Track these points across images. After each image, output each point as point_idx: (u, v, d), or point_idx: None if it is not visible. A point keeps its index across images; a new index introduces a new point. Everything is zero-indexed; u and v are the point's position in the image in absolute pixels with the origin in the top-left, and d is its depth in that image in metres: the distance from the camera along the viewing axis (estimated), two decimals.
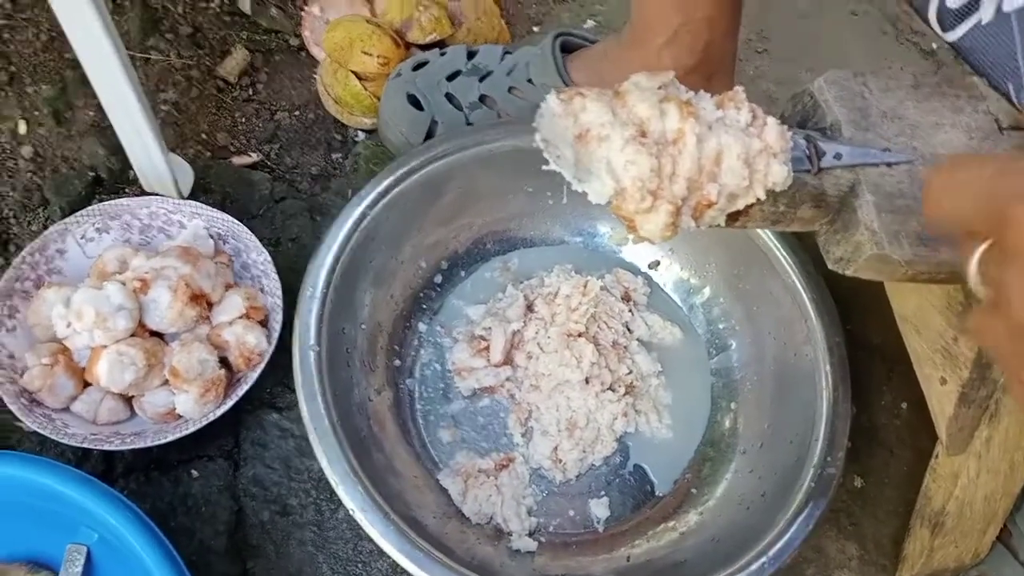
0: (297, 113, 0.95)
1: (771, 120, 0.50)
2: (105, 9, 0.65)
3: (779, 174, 0.50)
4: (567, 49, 0.86)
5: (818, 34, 1.08)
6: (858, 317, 0.80)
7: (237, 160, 0.90)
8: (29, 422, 0.66)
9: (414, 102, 0.85)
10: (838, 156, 0.54)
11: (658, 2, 0.76)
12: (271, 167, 0.91)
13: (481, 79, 0.87)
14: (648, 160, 0.47)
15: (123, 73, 0.69)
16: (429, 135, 0.85)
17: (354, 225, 0.71)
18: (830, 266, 0.55)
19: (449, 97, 0.86)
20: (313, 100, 0.95)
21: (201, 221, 0.75)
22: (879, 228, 0.52)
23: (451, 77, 0.87)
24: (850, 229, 0.53)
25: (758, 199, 0.51)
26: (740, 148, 0.49)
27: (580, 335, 0.73)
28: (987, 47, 0.61)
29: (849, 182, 0.54)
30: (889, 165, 0.55)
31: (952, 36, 0.62)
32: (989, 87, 0.61)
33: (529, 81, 0.84)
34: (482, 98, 0.86)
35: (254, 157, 0.90)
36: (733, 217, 0.52)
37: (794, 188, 0.52)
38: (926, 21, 0.64)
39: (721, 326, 0.79)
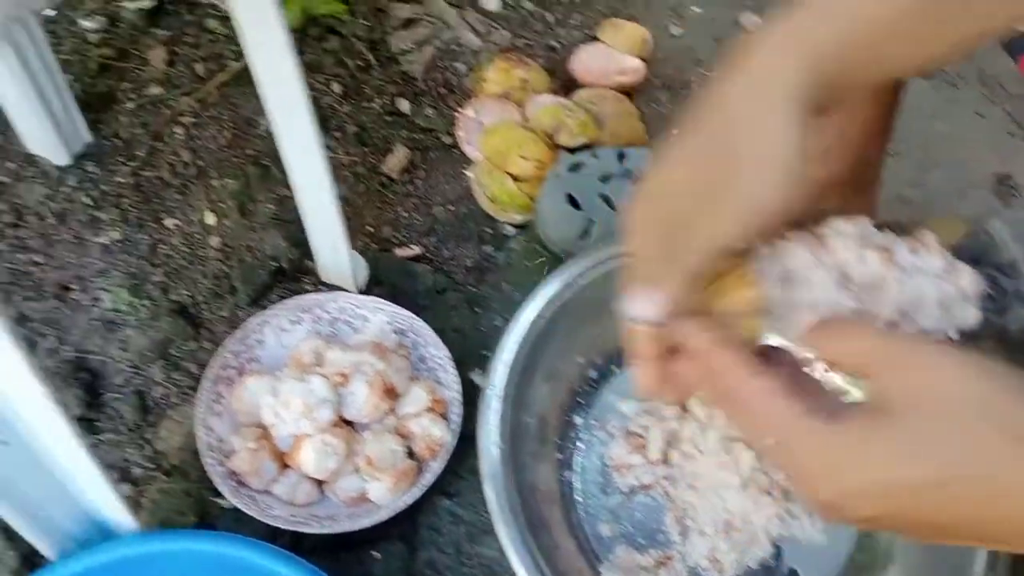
0: (451, 207, 1.02)
1: (963, 266, 0.54)
2: (313, 111, 0.73)
3: (972, 317, 0.54)
4: None
5: (946, 135, 1.11)
6: None
7: (400, 252, 0.97)
8: (236, 502, 0.72)
9: (572, 202, 0.91)
10: (1018, 295, 0.58)
11: None
12: (430, 258, 0.97)
13: (634, 181, 0.92)
14: (854, 304, 0.51)
15: (324, 170, 0.77)
16: (585, 233, 0.91)
17: (531, 325, 0.77)
18: None
19: (604, 198, 0.92)
20: (465, 195, 1.02)
21: (384, 316, 0.82)
22: None
23: (604, 179, 0.93)
24: None
25: (949, 338, 0.55)
26: (937, 293, 0.53)
27: (738, 439, 0.77)
28: None
29: None
30: None
31: None
32: None
33: None
34: None
35: (416, 249, 0.97)
36: None
37: (979, 326, 0.56)
38: None
39: None
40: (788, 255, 0.54)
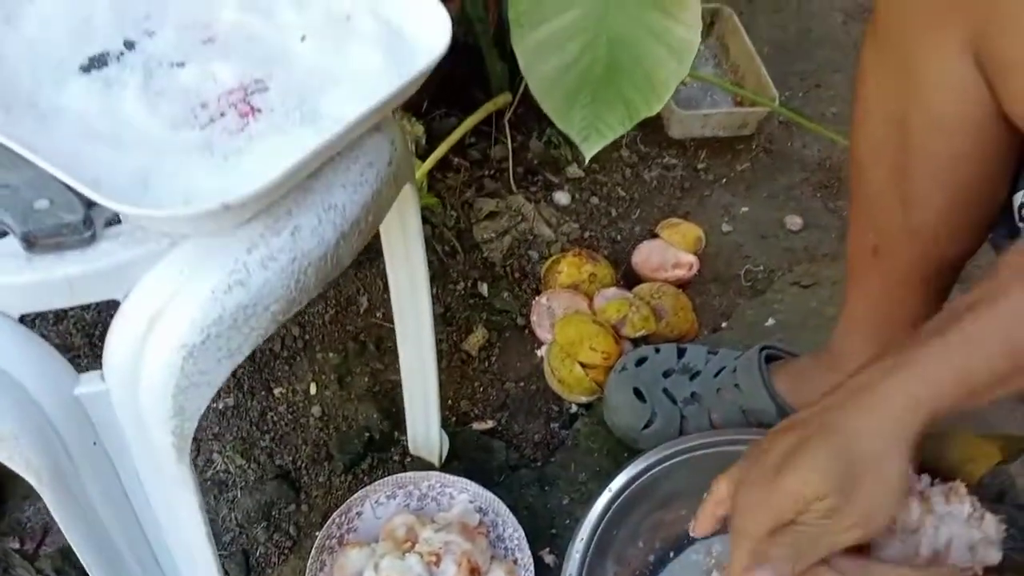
0: (522, 384, 1.13)
1: (988, 515, 0.64)
2: (430, 305, 0.85)
3: (995, 557, 0.64)
4: (769, 359, 1.02)
5: None
6: None
7: (477, 426, 1.08)
8: None
9: (638, 394, 1.02)
10: None
11: (854, 342, 0.92)
12: (502, 432, 1.08)
13: (691, 377, 1.04)
14: (900, 548, 0.61)
15: (432, 353, 0.88)
16: (648, 424, 1.01)
17: (601, 514, 0.86)
18: None
19: (666, 392, 1.03)
20: (534, 372, 1.14)
21: (467, 496, 0.92)
22: None
23: (666, 374, 1.04)
24: None
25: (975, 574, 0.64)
26: (966, 538, 0.63)
27: None
28: None
29: None
30: None
31: None
32: None
33: (736, 386, 1.01)
34: (692, 395, 1.02)
35: (490, 423, 1.08)
36: None
37: (1001, 563, 0.65)
38: None
39: None
40: None
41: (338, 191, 0.53)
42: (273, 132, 0.54)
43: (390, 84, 0.54)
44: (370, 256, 1.17)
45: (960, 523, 0.63)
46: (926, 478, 0.67)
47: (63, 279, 0.47)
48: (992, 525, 0.64)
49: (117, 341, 0.49)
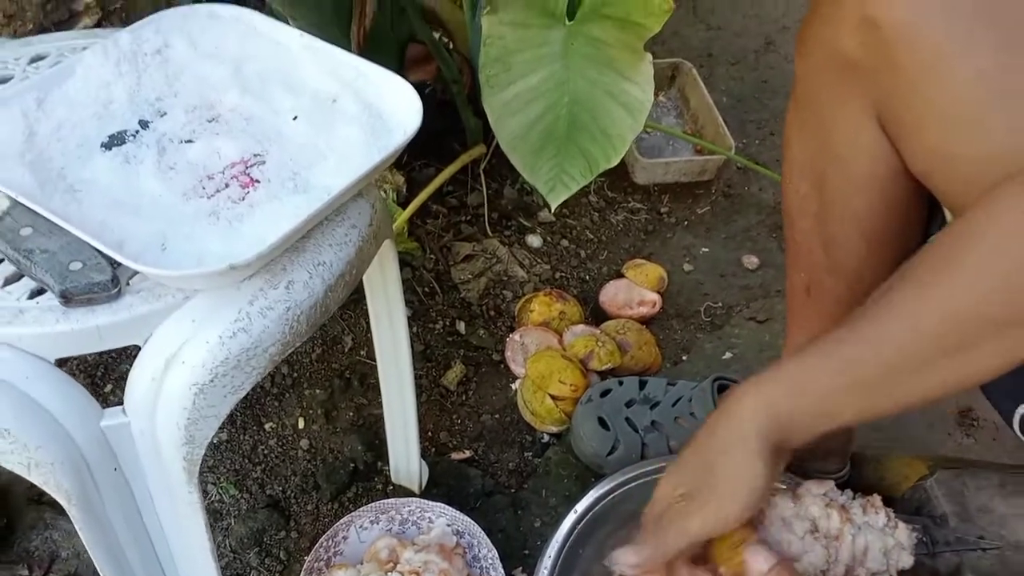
0: (497, 416, 1.21)
1: (901, 524, 0.73)
2: (409, 344, 0.93)
3: (907, 561, 0.72)
4: (722, 389, 1.11)
5: None
6: None
7: (455, 456, 1.16)
8: None
9: (603, 423, 1.11)
10: (947, 543, 0.76)
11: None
12: (479, 461, 1.16)
13: (651, 407, 1.13)
14: (823, 552, 0.70)
15: (411, 389, 0.97)
16: (612, 450, 1.10)
17: (567, 534, 0.95)
18: None
19: (628, 421, 1.12)
20: (509, 405, 1.22)
21: (445, 519, 1.00)
22: None
23: (629, 404, 1.13)
24: None
25: None
26: (881, 544, 0.71)
27: None
28: None
29: (955, 563, 0.76)
30: (984, 550, 0.77)
31: None
32: None
33: (691, 414, 1.10)
34: (653, 423, 1.11)
35: (467, 453, 1.17)
36: None
37: (916, 567, 0.74)
38: (1011, 427, 0.87)
39: None
40: (779, 505, 0.73)
41: (326, 250, 0.62)
42: (270, 200, 0.62)
43: (371, 158, 0.63)
44: (354, 299, 1.26)
45: (876, 532, 0.72)
46: (848, 493, 0.75)
47: (94, 328, 0.56)
48: (904, 533, 0.73)
49: (138, 380, 0.57)
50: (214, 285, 0.57)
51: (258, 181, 0.64)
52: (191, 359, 0.56)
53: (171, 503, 0.62)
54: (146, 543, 0.66)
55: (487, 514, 1.08)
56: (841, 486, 0.77)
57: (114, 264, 0.56)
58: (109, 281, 0.56)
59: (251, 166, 0.65)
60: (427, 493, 1.09)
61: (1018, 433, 0.86)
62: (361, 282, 0.79)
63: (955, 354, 0.59)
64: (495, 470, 1.15)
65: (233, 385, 0.58)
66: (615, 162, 1.11)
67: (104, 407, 0.59)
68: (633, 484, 1.00)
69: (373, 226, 0.67)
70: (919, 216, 0.83)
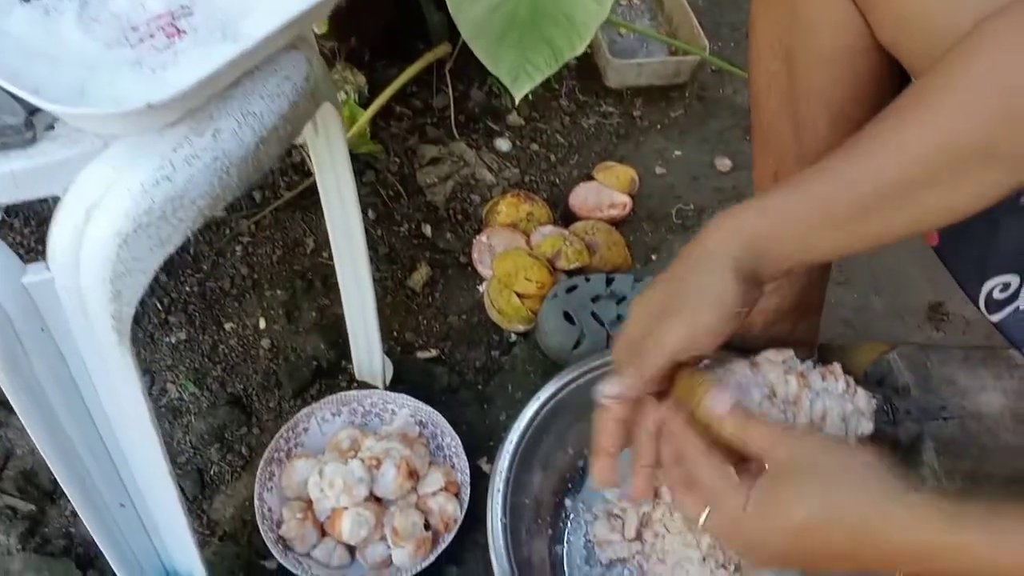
0: (464, 316, 1.20)
1: (860, 390, 0.72)
2: (363, 234, 0.91)
3: (867, 428, 0.71)
4: None
5: (890, 267, 1.30)
6: None
7: (421, 354, 1.14)
8: (284, 563, 0.87)
9: (568, 318, 1.09)
10: (908, 412, 0.75)
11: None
12: (446, 360, 1.15)
13: (618, 302, 1.11)
14: (780, 417, 0.69)
15: (370, 286, 0.95)
16: (578, 343, 1.08)
17: (530, 421, 0.93)
18: None
19: (594, 315, 1.10)
20: (476, 306, 1.20)
21: (408, 410, 0.99)
22: (938, 467, 0.72)
23: (595, 299, 1.12)
24: (917, 467, 0.74)
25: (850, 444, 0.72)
26: (839, 409, 0.70)
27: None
28: (1023, 328, 0.82)
29: (916, 432, 0.75)
30: (945, 419, 0.76)
31: (995, 318, 0.83)
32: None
33: None
34: (619, 317, 1.09)
35: (434, 352, 1.15)
36: None
37: (876, 435, 0.73)
38: (976, 305, 0.85)
39: None
40: (737, 371, 0.71)
41: (256, 100, 0.59)
42: (197, 49, 0.59)
43: (301, 4, 0.59)
44: (315, 200, 1.23)
45: (835, 398, 0.71)
46: (809, 363, 0.74)
47: (8, 174, 0.53)
48: (863, 399, 0.71)
49: (59, 232, 0.54)
50: (134, 129, 0.54)
51: (184, 32, 0.61)
52: (113, 206, 0.54)
53: (103, 366, 0.60)
54: (83, 414, 0.64)
55: (453, 408, 1.07)
56: None
57: (30, 111, 0.53)
58: (22, 124, 0.53)
59: (178, 17, 0.62)
60: (392, 390, 1.07)
61: (984, 311, 0.84)
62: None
63: (936, 185, 0.58)
64: (461, 368, 1.14)
65: (159, 237, 0.56)
66: (580, 50, 1.07)
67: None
68: (597, 373, 0.98)
69: (310, 83, 0.64)
70: (884, 96, 0.81)
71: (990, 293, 0.82)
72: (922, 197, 0.59)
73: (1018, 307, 0.80)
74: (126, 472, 0.70)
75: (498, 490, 0.89)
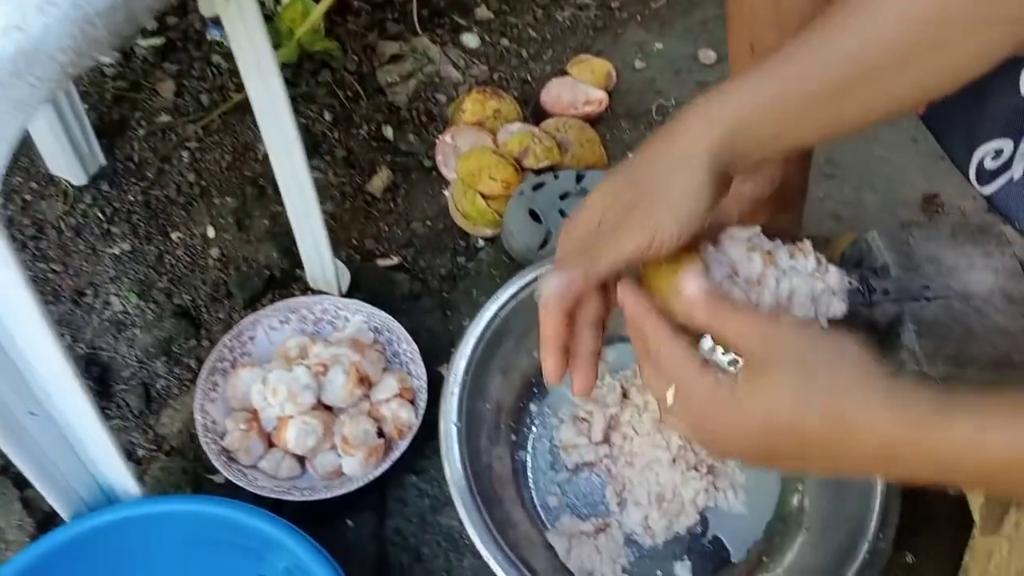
0: (429, 222, 1.13)
1: (832, 267, 0.65)
2: (300, 138, 0.84)
3: (838, 308, 0.64)
4: None
5: (882, 158, 1.22)
6: None
7: (382, 262, 1.08)
8: (228, 475, 0.83)
9: (534, 216, 1.03)
10: (886, 292, 0.68)
11: None
12: (408, 268, 1.08)
13: None
14: (742, 298, 0.62)
15: (311, 189, 0.88)
16: (544, 243, 1.02)
17: (488, 322, 0.87)
18: None
19: (562, 213, 1.03)
20: (442, 212, 1.14)
21: (362, 316, 0.93)
22: (919, 350, 0.66)
23: (563, 196, 1.04)
24: (895, 351, 0.67)
25: (821, 327, 0.65)
26: (807, 288, 0.63)
27: None
28: (1017, 199, 0.75)
29: (894, 313, 0.68)
30: (928, 300, 0.69)
31: (988, 190, 0.76)
32: (1017, 233, 0.75)
33: None
34: None
35: (395, 260, 1.09)
36: None
37: (851, 317, 0.66)
38: (966, 176, 0.78)
39: None
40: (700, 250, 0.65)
41: None
42: None
43: None
44: None
45: (804, 276, 0.64)
46: (778, 240, 0.67)
47: None
48: (835, 277, 0.64)
49: None
50: None
51: None
52: None
53: None
54: None
55: (413, 316, 1.01)
56: None
57: None
58: None
59: None
60: (349, 297, 1.01)
61: (975, 184, 0.77)
62: None
63: (919, 61, 0.53)
64: (425, 275, 1.08)
65: (15, 99, 0.49)
66: None
67: None
68: None
69: None
70: None
71: (981, 162, 0.75)
72: (909, 66, 0.53)
73: (1012, 177, 0.73)
74: (30, 375, 0.64)
75: (452, 393, 0.83)
